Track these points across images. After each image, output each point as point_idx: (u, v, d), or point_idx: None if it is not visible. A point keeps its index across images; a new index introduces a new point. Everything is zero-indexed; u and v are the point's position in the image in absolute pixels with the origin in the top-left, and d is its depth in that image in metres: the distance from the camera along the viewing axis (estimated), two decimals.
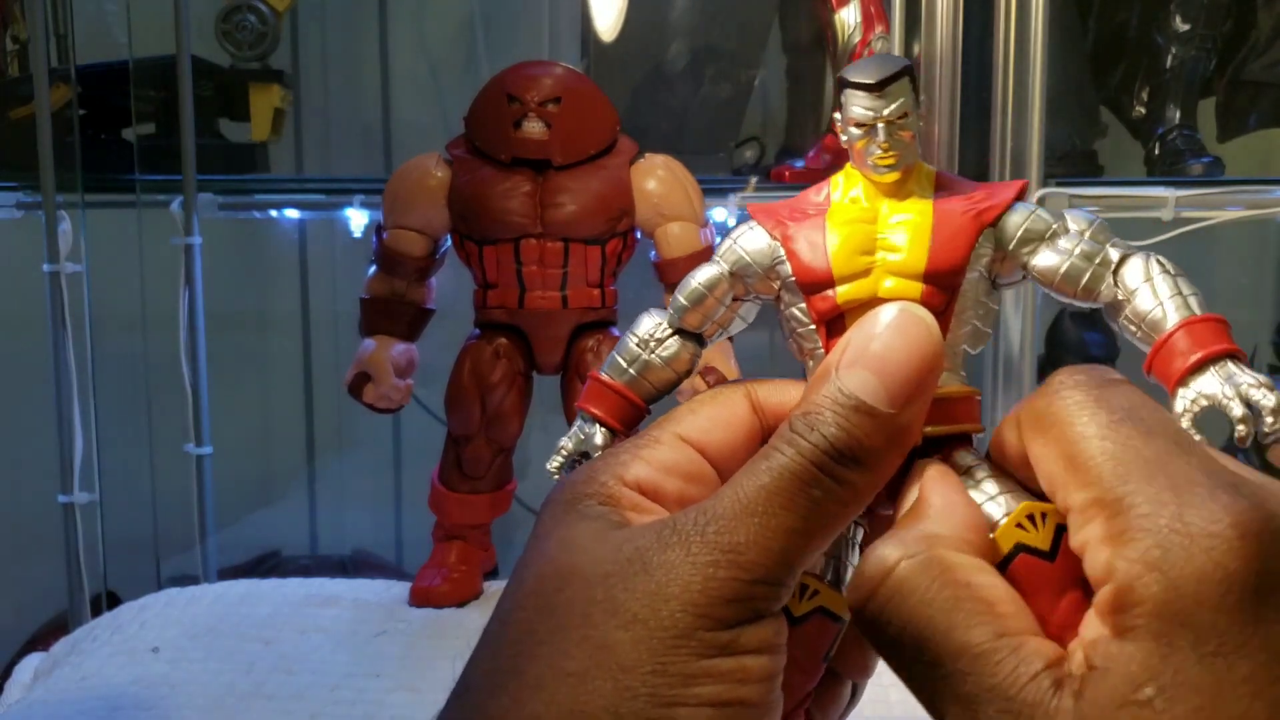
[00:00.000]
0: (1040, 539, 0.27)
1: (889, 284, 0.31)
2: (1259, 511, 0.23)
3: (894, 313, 0.30)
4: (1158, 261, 0.33)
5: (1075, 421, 0.26)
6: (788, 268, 0.33)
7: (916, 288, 0.31)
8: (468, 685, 0.29)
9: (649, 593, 0.27)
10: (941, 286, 0.31)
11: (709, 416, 0.32)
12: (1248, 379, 0.29)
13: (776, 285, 0.34)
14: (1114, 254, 0.34)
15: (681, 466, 0.31)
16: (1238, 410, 0.29)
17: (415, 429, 1.42)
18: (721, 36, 1.26)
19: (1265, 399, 0.29)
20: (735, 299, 0.35)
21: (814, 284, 0.32)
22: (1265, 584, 0.22)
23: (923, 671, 0.25)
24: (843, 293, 0.32)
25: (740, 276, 0.34)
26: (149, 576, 1.25)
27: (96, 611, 1.13)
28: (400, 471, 1.51)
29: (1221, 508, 0.23)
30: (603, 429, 0.35)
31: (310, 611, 0.76)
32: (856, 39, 1.23)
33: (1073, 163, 1.24)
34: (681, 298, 0.35)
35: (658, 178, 0.75)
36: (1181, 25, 1.24)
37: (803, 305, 0.33)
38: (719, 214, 1.20)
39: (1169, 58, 1.25)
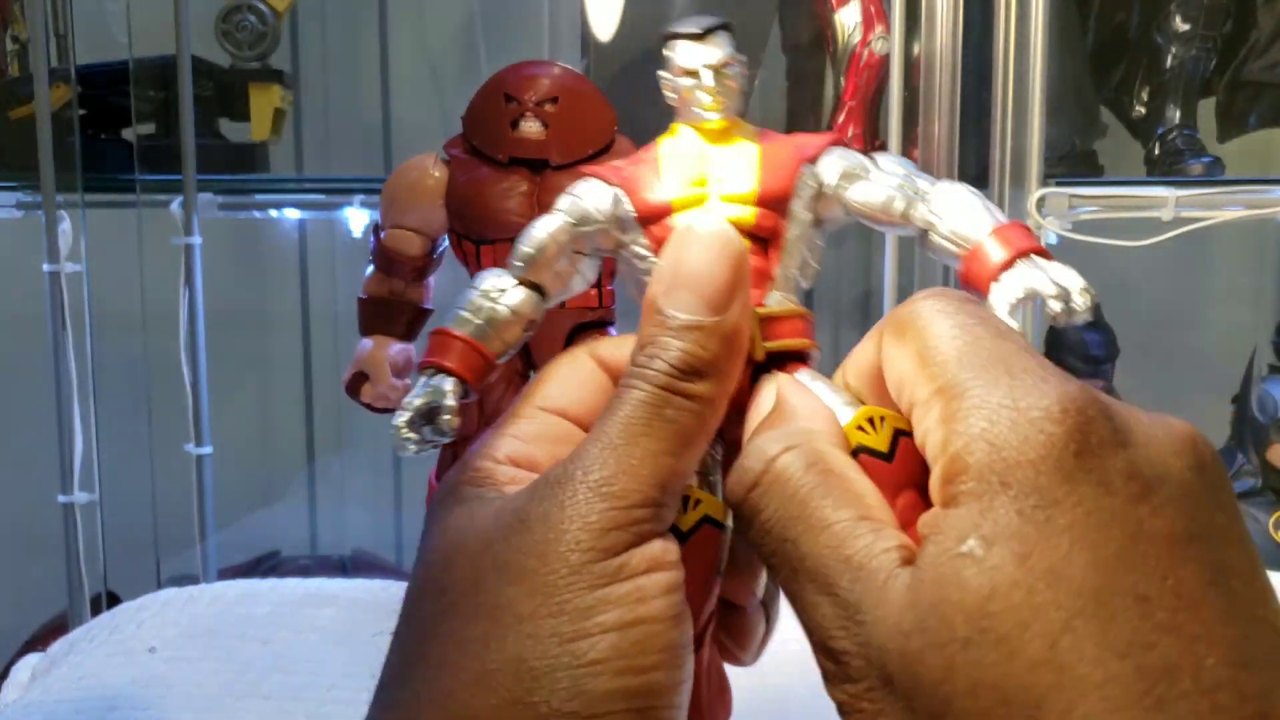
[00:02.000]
0: (879, 440, 0.29)
1: (723, 208, 0.33)
2: (1083, 393, 0.25)
3: (689, 231, 0.32)
4: (964, 186, 0.34)
5: (931, 323, 0.28)
6: (628, 204, 0.34)
7: (751, 212, 0.33)
8: (382, 685, 0.29)
9: (532, 544, 0.27)
10: (772, 209, 0.34)
11: (560, 380, 0.33)
12: (1054, 267, 0.32)
13: (616, 235, 0.35)
14: (923, 183, 0.35)
15: (547, 433, 0.32)
16: (1050, 289, 0.31)
17: None
18: None
19: (1073, 280, 0.32)
20: (576, 252, 0.36)
21: (653, 214, 0.34)
22: (1083, 449, 0.24)
23: (786, 551, 0.26)
24: (681, 220, 0.34)
25: (581, 227, 0.35)
26: (149, 576, 1.25)
27: (96, 611, 1.14)
28: (400, 471, 1.51)
29: (1050, 389, 0.25)
30: (453, 380, 0.35)
31: (308, 612, 0.76)
32: (856, 39, 1.23)
33: (1073, 163, 1.24)
34: (524, 246, 0.35)
35: None
36: (1181, 25, 1.24)
37: (644, 240, 0.34)
38: None
39: (1169, 58, 1.25)
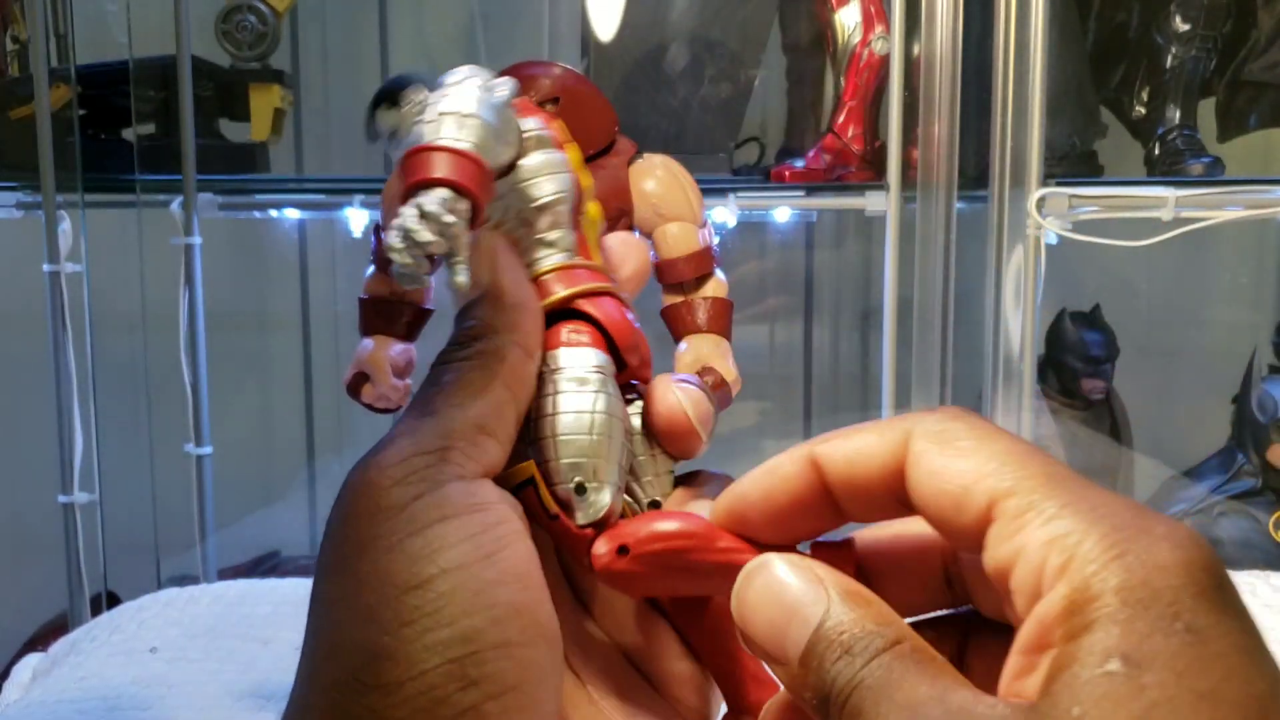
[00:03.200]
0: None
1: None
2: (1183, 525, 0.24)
3: None
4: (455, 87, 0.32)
5: (986, 439, 0.26)
6: None
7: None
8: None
9: (333, 532, 0.28)
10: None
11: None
12: (415, 199, 0.30)
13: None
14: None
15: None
16: (390, 238, 0.29)
17: None
18: (721, 36, 1.26)
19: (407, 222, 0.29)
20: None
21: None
22: (1219, 579, 0.23)
23: None
24: None
25: None
26: (149, 576, 1.25)
27: (96, 612, 1.14)
28: None
29: (1169, 520, 0.24)
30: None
31: None
32: (856, 39, 1.23)
33: (1073, 163, 1.24)
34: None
35: (656, 178, 0.75)
36: (1181, 25, 1.24)
37: None
38: (719, 214, 1.20)
39: (1169, 58, 1.25)
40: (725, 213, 1.20)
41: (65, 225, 1.17)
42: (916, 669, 0.25)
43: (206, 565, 1.23)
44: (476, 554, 0.27)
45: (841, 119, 1.25)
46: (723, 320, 0.67)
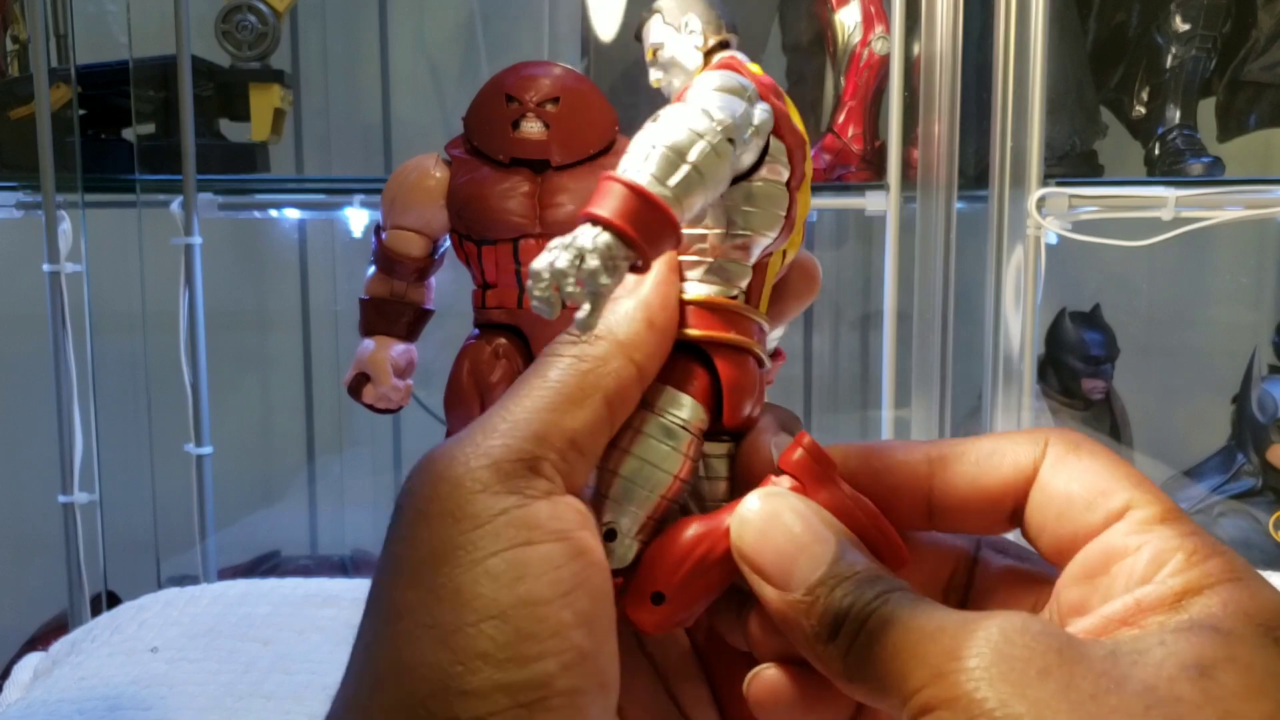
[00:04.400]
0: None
1: None
2: None
3: None
4: (667, 113, 0.30)
5: (1125, 462, 0.29)
6: None
7: None
8: None
9: (405, 531, 0.27)
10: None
11: None
12: (578, 240, 0.28)
13: None
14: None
15: None
16: (539, 263, 0.27)
17: (415, 429, 1.42)
18: None
19: (561, 260, 0.27)
20: None
21: None
22: None
23: None
24: None
25: None
26: (149, 576, 1.25)
27: (96, 611, 1.14)
28: (400, 471, 1.51)
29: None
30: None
31: (309, 611, 0.76)
32: (856, 39, 1.23)
33: (1073, 163, 1.24)
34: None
35: None
36: (1181, 25, 1.24)
37: None
38: None
39: (1169, 58, 1.25)
40: None
41: (65, 225, 1.17)
42: (931, 605, 0.26)
43: (206, 565, 1.23)
44: (557, 590, 0.26)
45: (841, 119, 1.25)
46: None
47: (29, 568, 1.33)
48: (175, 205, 1.19)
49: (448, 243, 0.78)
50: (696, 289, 0.31)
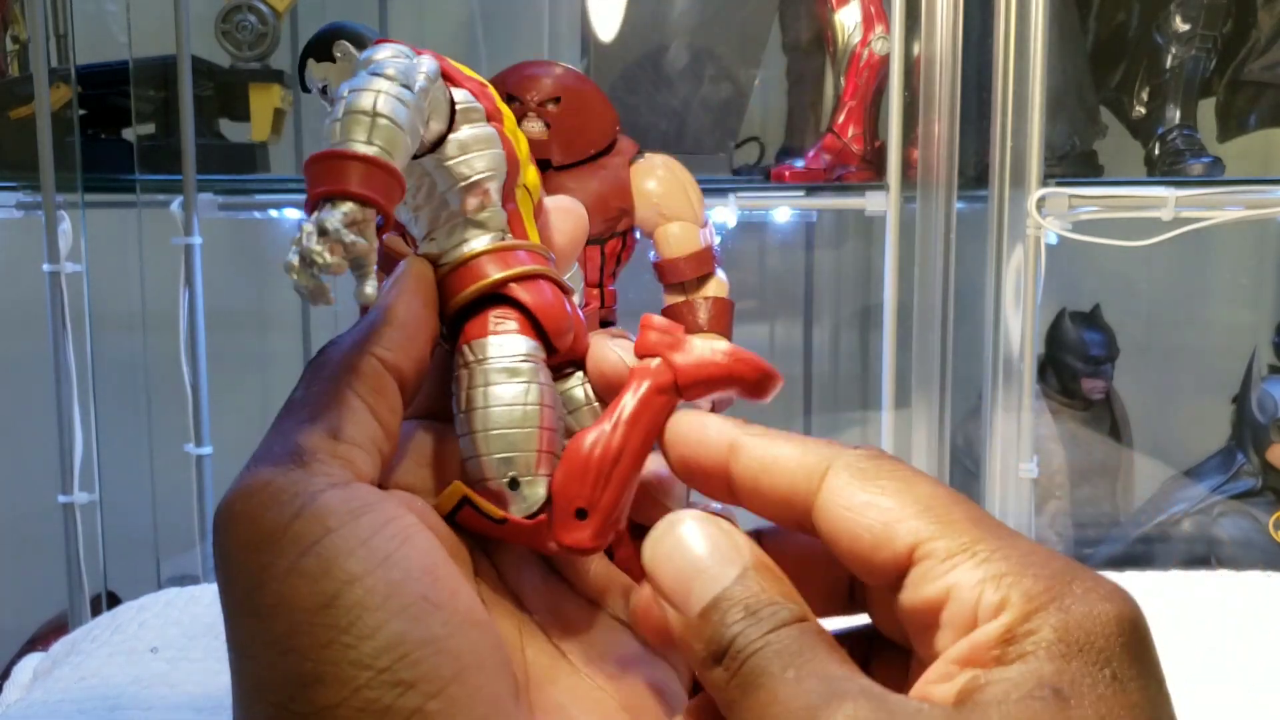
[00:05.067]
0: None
1: None
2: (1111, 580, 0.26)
3: None
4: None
5: (911, 481, 0.27)
6: None
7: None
8: None
9: (228, 575, 0.28)
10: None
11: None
12: (315, 217, 0.28)
13: None
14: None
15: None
16: (289, 256, 0.28)
17: None
18: (721, 36, 1.26)
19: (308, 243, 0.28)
20: None
21: None
22: (1143, 634, 0.25)
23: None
24: None
25: None
26: (149, 576, 1.25)
27: (96, 611, 1.14)
28: None
29: (1095, 574, 0.26)
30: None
31: None
32: (856, 39, 1.23)
33: (1073, 163, 1.24)
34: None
35: (657, 178, 0.75)
36: (1181, 25, 1.24)
37: None
38: (719, 214, 1.20)
39: (1169, 58, 1.25)
40: (725, 213, 1.20)
41: (65, 225, 1.17)
42: (825, 649, 0.26)
43: (206, 565, 1.23)
44: (374, 558, 0.26)
45: (841, 119, 1.25)
46: (724, 320, 0.67)
47: (29, 568, 1.33)
48: (175, 205, 1.19)
49: None
50: (467, 247, 0.32)
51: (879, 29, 1.22)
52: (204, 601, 0.78)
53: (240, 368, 1.49)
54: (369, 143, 0.29)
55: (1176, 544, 1.29)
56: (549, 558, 0.33)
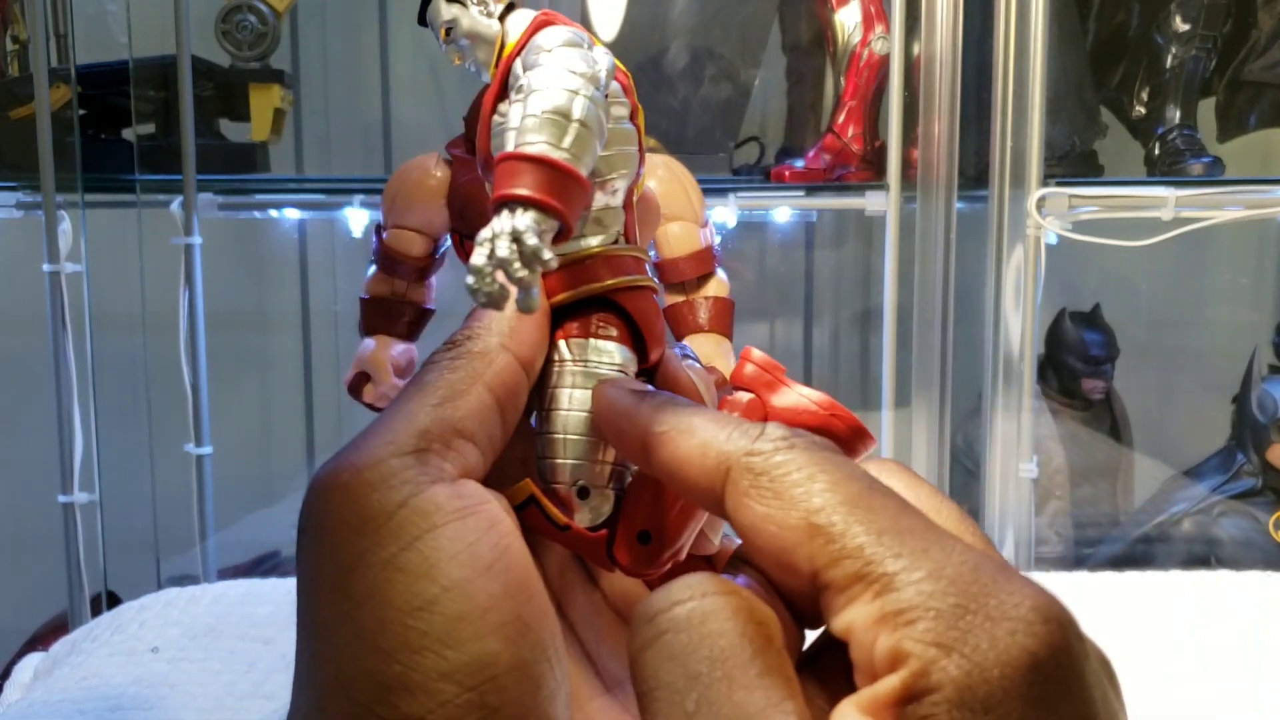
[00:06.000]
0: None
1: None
2: (1048, 595, 0.22)
3: None
4: (551, 69, 0.30)
5: (816, 485, 0.24)
6: None
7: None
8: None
9: (318, 552, 0.27)
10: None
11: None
12: (511, 225, 0.27)
13: None
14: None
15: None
16: (478, 259, 0.27)
17: None
18: (721, 36, 1.26)
19: (502, 249, 0.27)
20: None
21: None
22: (1061, 669, 0.21)
23: (690, 693, 0.23)
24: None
25: None
26: (149, 576, 1.25)
27: (96, 611, 1.14)
28: None
29: (1018, 589, 0.22)
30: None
31: None
32: (856, 39, 1.23)
33: (1073, 163, 1.24)
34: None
35: (658, 178, 0.75)
36: (1181, 25, 1.24)
37: None
38: (719, 214, 1.20)
39: (1169, 58, 1.25)
40: (725, 213, 1.20)
41: (65, 225, 1.17)
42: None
43: (207, 565, 1.23)
44: (477, 566, 0.25)
45: (841, 119, 1.25)
46: (724, 320, 0.67)
47: (29, 568, 1.33)
48: (175, 205, 1.19)
49: (448, 242, 0.78)
50: (584, 243, 0.32)
51: (879, 29, 1.22)
52: (204, 602, 0.78)
53: (240, 368, 1.49)
54: (567, 150, 0.28)
55: (1176, 544, 1.29)
56: (591, 568, 0.33)
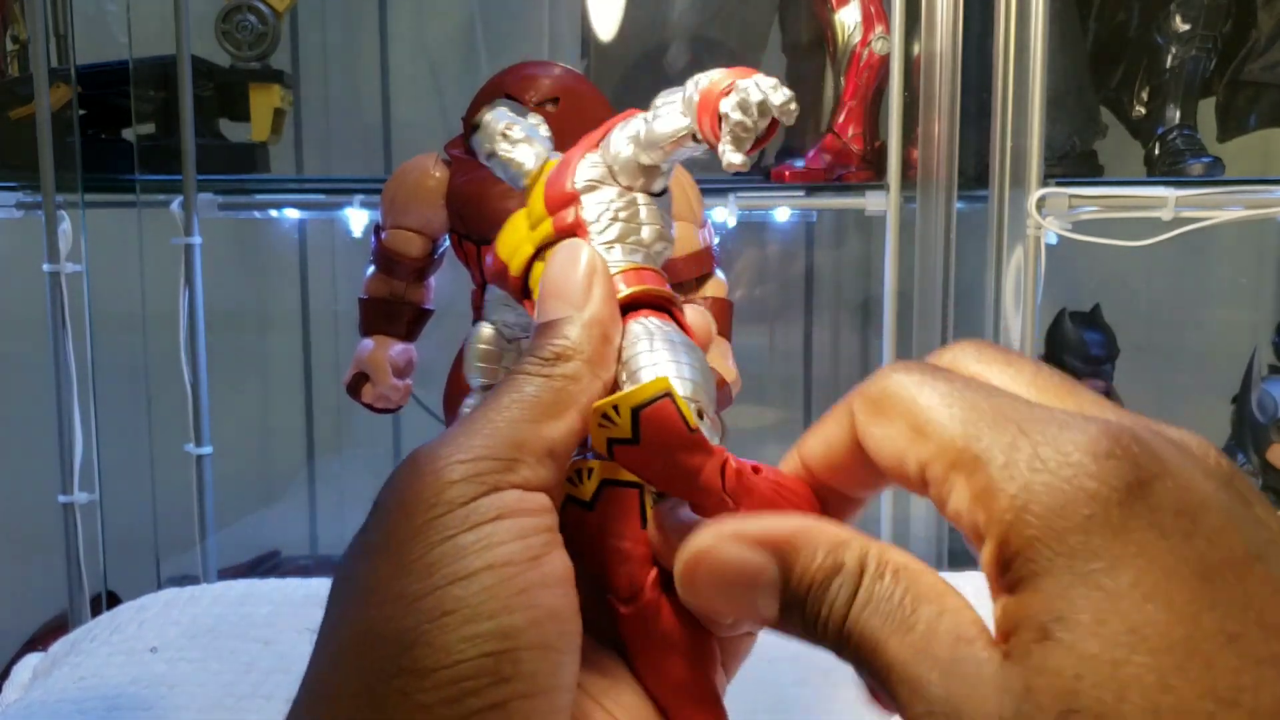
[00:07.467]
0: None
1: (532, 234, 0.36)
2: (1107, 430, 0.24)
3: (551, 255, 0.34)
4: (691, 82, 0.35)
5: (918, 395, 0.27)
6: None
7: (545, 222, 0.36)
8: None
9: (382, 519, 0.28)
10: (563, 209, 0.36)
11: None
12: (755, 83, 0.33)
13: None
14: (658, 100, 0.37)
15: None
16: (755, 95, 0.33)
17: (415, 429, 1.42)
18: (721, 36, 1.26)
19: (765, 82, 0.33)
20: (509, 340, 0.42)
21: (498, 275, 0.38)
22: (1127, 496, 0.23)
23: (865, 648, 0.26)
24: (512, 265, 0.37)
25: (499, 323, 0.42)
26: (149, 576, 1.25)
27: (96, 611, 1.14)
28: None
29: (1070, 437, 0.24)
30: None
31: (309, 611, 0.76)
32: (856, 39, 1.23)
33: (1073, 163, 1.24)
34: (472, 361, 0.44)
35: None
36: (1181, 25, 1.24)
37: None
38: (718, 214, 1.20)
39: (1169, 58, 1.25)
40: (725, 213, 1.20)
41: (65, 225, 1.17)
42: (912, 592, 0.25)
43: (206, 565, 1.23)
44: (524, 554, 0.27)
45: (841, 119, 1.25)
46: (723, 320, 0.67)
47: (29, 568, 1.33)
48: (175, 205, 1.19)
49: (447, 242, 0.78)
50: (623, 263, 0.35)
51: (879, 29, 1.22)
52: (203, 602, 0.78)
53: (240, 368, 1.49)
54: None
55: None
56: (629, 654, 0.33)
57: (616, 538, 0.31)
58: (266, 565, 1.38)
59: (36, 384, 1.20)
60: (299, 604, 0.77)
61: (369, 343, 0.79)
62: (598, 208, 0.36)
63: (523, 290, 0.36)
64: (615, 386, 0.32)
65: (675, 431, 0.30)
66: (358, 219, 1.22)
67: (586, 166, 0.36)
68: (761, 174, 1.27)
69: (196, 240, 1.19)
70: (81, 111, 1.21)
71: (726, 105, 0.33)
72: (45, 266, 1.16)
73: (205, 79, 1.23)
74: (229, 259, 1.42)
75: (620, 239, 0.36)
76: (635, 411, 0.30)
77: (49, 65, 1.15)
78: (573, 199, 0.36)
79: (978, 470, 0.25)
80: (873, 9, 1.23)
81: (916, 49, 1.17)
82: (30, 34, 1.16)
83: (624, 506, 0.31)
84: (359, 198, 1.22)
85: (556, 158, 0.38)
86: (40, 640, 1.21)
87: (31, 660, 0.74)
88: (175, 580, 1.19)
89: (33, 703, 0.65)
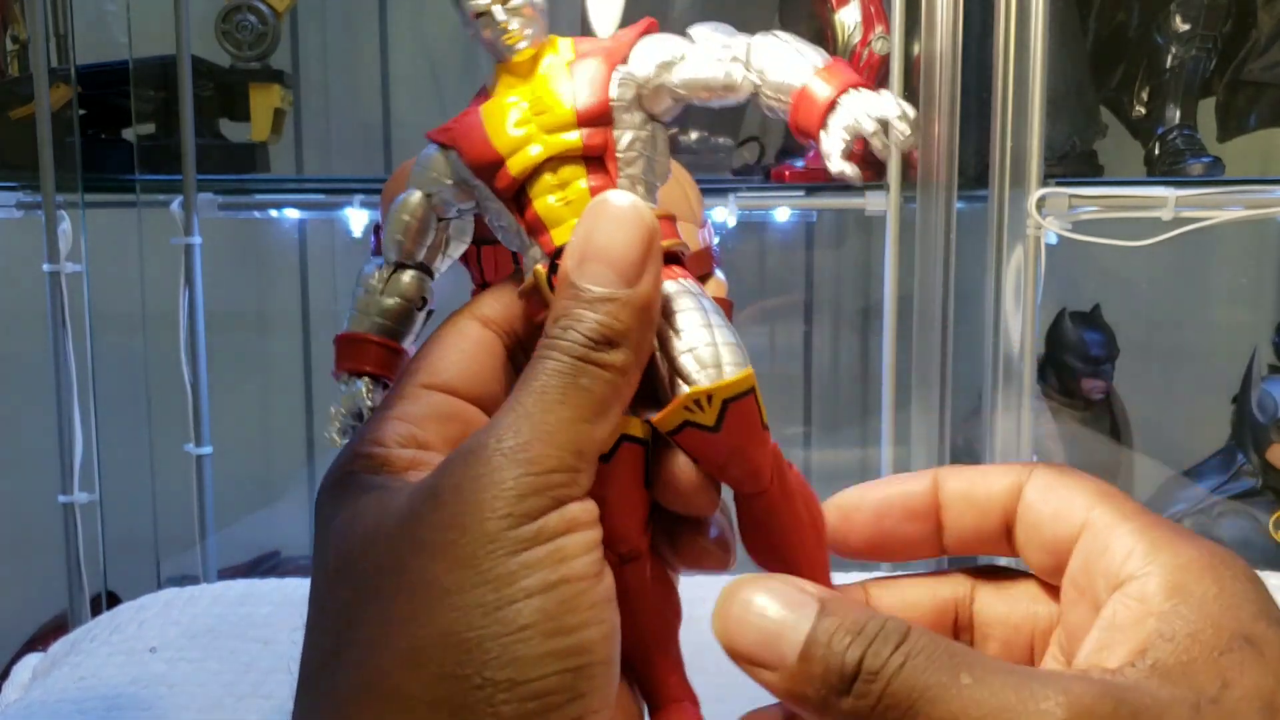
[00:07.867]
0: (707, 417, 0.30)
1: (547, 138, 0.33)
2: (1088, 695, 0.26)
3: (601, 204, 0.31)
4: (775, 36, 0.35)
5: (1092, 482, 0.32)
6: (461, 162, 0.34)
7: (576, 136, 0.33)
8: (305, 677, 0.29)
9: (449, 517, 0.27)
10: (597, 125, 0.33)
11: (443, 353, 0.33)
12: (873, 98, 0.33)
13: (468, 192, 0.35)
14: (740, 44, 0.35)
15: (434, 412, 0.32)
16: (869, 126, 0.33)
17: None
18: None
19: (889, 107, 0.33)
20: (440, 219, 0.36)
21: (487, 166, 0.33)
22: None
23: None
24: (513, 163, 0.33)
25: (434, 195, 0.35)
26: (149, 576, 1.25)
27: (96, 611, 1.14)
28: None
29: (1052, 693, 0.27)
30: (365, 380, 0.37)
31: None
32: (856, 39, 1.23)
33: (1073, 163, 1.24)
34: (389, 231, 0.36)
35: None
36: (1181, 25, 1.24)
37: (489, 193, 0.34)
38: (719, 214, 1.20)
39: (1169, 58, 1.25)
40: (725, 213, 1.20)
41: (65, 225, 1.17)
42: (960, 645, 0.27)
43: (206, 565, 1.23)
44: (592, 569, 0.28)
45: None
46: None
47: (29, 568, 1.33)
48: (175, 205, 1.19)
49: None
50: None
51: (879, 29, 1.22)
52: (203, 602, 0.78)
53: (240, 368, 1.49)
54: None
55: None
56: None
57: (626, 499, 0.31)
58: (266, 565, 1.38)
59: (36, 384, 1.20)
60: (299, 604, 0.77)
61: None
62: (629, 133, 0.34)
63: (516, 195, 0.33)
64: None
65: (754, 426, 0.31)
66: (358, 219, 1.22)
67: (617, 81, 0.34)
68: (761, 174, 1.27)
69: (196, 240, 1.19)
70: (81, 111, 1.21)
71: (864, 124, 0.33)
72: (45, 266, 1.16)
73: (205, 79, 1.23)
74: (229, 259, 1.42)
75: (643, 175, 0.34)
76: (726, 404, 0.30)
77: (49, 65, 1.15)
78: (608, 115, 0.33)
79: (1147, 531, 0.30)
80: (873, 9, 1.22)
81: (916, 49, 1.17)
82: (30, 34, 1.16)
83: (633, 463, 0.31)
84: (359, 197, 1.22)
85: (565, 47, 0.36)
86: (40, 640, 1.21)
87: (31, 660, 0.74)
88: (175, 580, 1.19)
89: (33, 703, 0.65)
